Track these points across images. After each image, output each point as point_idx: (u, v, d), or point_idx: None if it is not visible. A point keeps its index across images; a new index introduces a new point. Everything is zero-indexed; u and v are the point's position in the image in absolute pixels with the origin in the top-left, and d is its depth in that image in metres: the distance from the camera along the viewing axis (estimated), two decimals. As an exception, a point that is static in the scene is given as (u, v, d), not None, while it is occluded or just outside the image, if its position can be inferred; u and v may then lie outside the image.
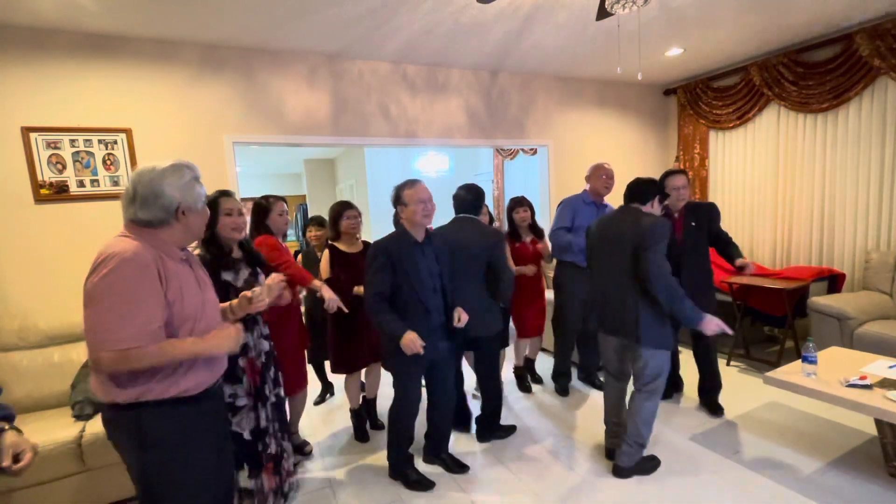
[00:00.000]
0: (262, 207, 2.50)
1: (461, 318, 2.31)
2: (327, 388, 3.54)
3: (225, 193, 2.03)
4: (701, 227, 2.83)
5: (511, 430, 2.87)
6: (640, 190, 2.35)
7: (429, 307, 2.27)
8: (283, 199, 2.59)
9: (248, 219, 2.22)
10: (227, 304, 1.67)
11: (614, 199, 3.44)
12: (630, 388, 2.43)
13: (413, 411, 2.39)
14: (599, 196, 3.23)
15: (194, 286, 1.41)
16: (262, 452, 1.99)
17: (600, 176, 3.20)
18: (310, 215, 9.12)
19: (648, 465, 2.40)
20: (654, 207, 2.35)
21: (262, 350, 2.03)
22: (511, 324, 3.32)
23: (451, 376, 2.50)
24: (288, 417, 2.42)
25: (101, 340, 1.22)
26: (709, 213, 2.88)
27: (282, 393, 2.15)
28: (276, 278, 1.76)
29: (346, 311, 2.51)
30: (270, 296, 1.71)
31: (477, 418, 2.87)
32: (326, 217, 2.94)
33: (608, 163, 3.28)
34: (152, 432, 1.31)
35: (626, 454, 2.35)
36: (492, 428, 2.81)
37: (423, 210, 2.25)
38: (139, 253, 1.27)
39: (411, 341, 2.12)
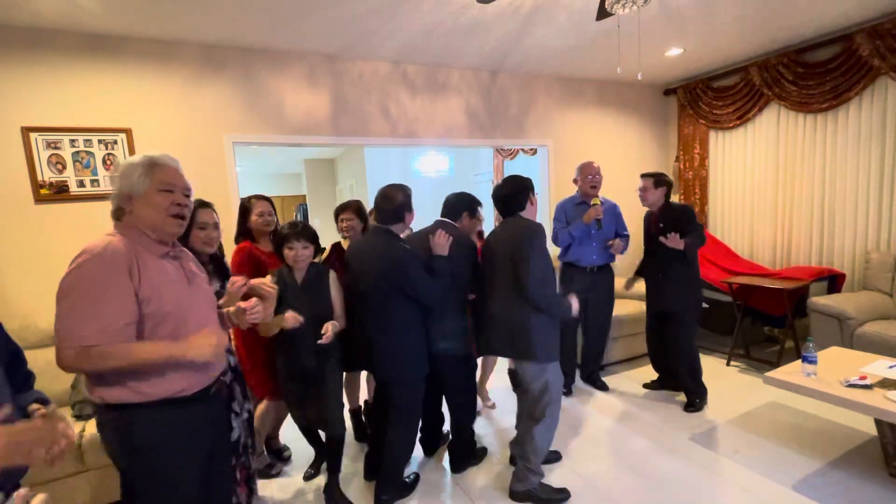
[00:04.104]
0: (244, 208, 2.46)
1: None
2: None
3: (203, 205, 1.90)
4: (668, 229, 2.90)
5: (482, 452, 2.67)
6: (513, 199, 2.20)
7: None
8: (265, 198, 2.49)
9: (221, 233, 2.03)
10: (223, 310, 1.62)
11: (614, 197, 3.48)
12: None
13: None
14: (588, 196, 3.22)
15: (179, 282, 1.35)
16: (236, 467, 1.88)
17: (586, 177, 3.21)
18: (310, 216, 9.09)
19: (549, 497, 2.19)
20: (534, 206, 2.25)
21: (227, 365, 1.87)
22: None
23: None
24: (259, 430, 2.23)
25: (63, 337, 1.18)
26: (678, 217, 2.96)
27: (251, 407, 2.02)
28: (236, 284, 1.67)
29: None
30: (231, 303, 1.61)
31: (448, 446, 2.63)
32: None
33: (594, 162, 3.26)
34: (141, 435, 1.26)
35: (519, 479, 2.22)
36: (464, 456, 2.59)
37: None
38: (109, 248, 1.23)
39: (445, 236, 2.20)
